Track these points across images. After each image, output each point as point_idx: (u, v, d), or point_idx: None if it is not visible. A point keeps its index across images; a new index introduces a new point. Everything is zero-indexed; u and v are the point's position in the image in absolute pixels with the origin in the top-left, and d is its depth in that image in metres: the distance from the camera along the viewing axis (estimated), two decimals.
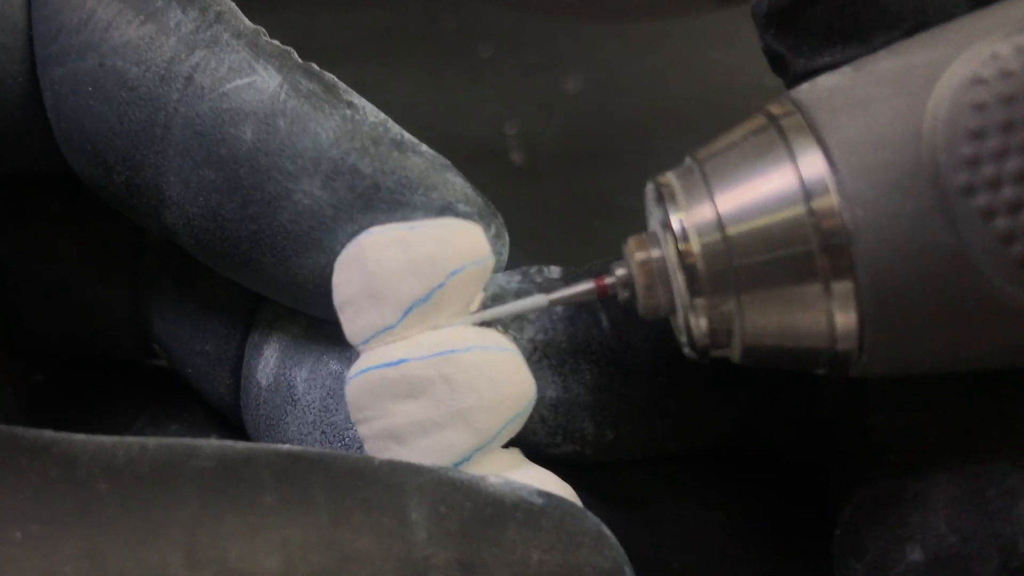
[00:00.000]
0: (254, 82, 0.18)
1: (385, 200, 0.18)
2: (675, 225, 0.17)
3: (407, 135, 0.19)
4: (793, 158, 0.16)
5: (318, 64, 0.19)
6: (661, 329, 0.19)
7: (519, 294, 0.20)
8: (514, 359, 0.18)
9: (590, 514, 0.15)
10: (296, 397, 0.20)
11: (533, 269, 0.20)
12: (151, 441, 0.14)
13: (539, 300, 0.18)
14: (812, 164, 0.16)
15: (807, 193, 0.15)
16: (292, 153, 0.18)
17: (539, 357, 0.19)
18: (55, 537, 0.13)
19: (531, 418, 0.19)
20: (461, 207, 0.18)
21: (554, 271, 0.20)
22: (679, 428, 0.20)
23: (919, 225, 0.15)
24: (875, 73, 0.16)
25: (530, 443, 0.20)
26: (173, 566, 0.13)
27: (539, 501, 0.15)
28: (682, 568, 0.21)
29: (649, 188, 0.17)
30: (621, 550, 0.15)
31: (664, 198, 0.17)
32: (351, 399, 0.18)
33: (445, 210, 0.18)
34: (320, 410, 0.19)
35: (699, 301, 0.17)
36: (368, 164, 0.18)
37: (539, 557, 0.14)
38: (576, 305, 0.20)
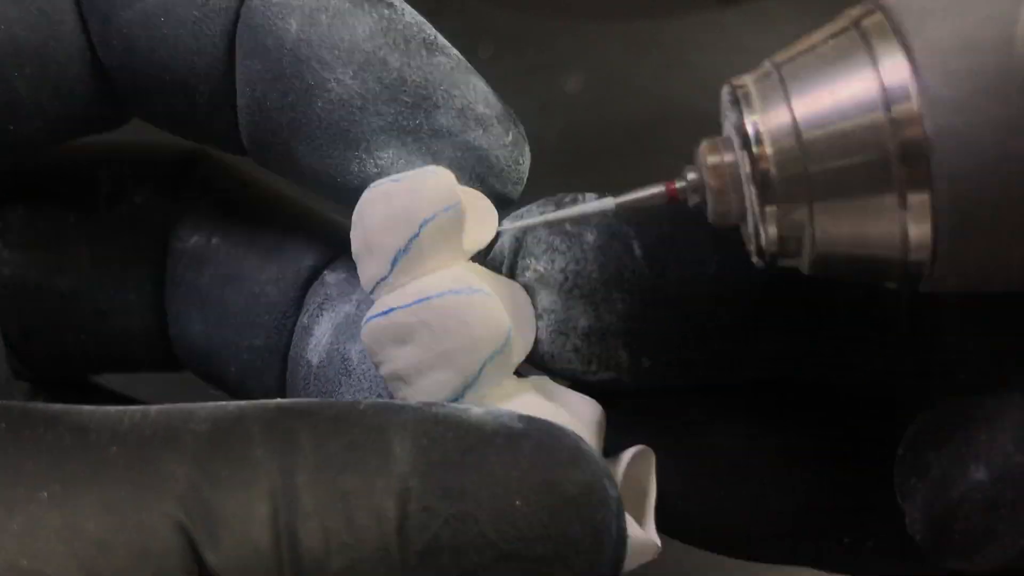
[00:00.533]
0: None
1: (409, 94, 0.19)
2: (749, 129, 0.16)
3: (441, 38, 0.20)
4: (875, 62, 0.15)
5: None
6: (697, 257, 0.19)
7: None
8: (484, 300, 0.18)
9: (570, 432, 0.16)
10: (351, 368, 0.21)
11: (568, 197, 0.20)
12: (152, 408, 0.15)
13: (606, 203, 0.18)
14: (894, 68, 0.15)
15: (887, 99, 0.15)
16: (331, 44, 0.19)
17: (570, 287, 0.19)
18: (75, 496, 0.14)
19: (565, 347, 0.19)
20: (480, 108, 0.20)
21: (590, 198, 0.20)
22: (718, 356, 0.20)
23: (1006, 133, 0.14)
24: None
25: (567, 371, 0.20)
26: (178, 516, 0.14)
27: (519, 426, 0.15)
28: (728, 495, 0.21)
29: (725, 91, 0.17)
30: (601, 465, 0.15)
31: (739, 101, 0.16)
32: (366, 345, 0.19)
33: (465, 110, 0.19)
34: (375, 377, 0.20)
35: (770, 208, 0.16)
36: (397, 58, 0.19)
37: (519, 476, 0.14)
38: (610, 233, 0.19)
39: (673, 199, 0.17)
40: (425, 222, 0.18)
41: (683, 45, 0.48)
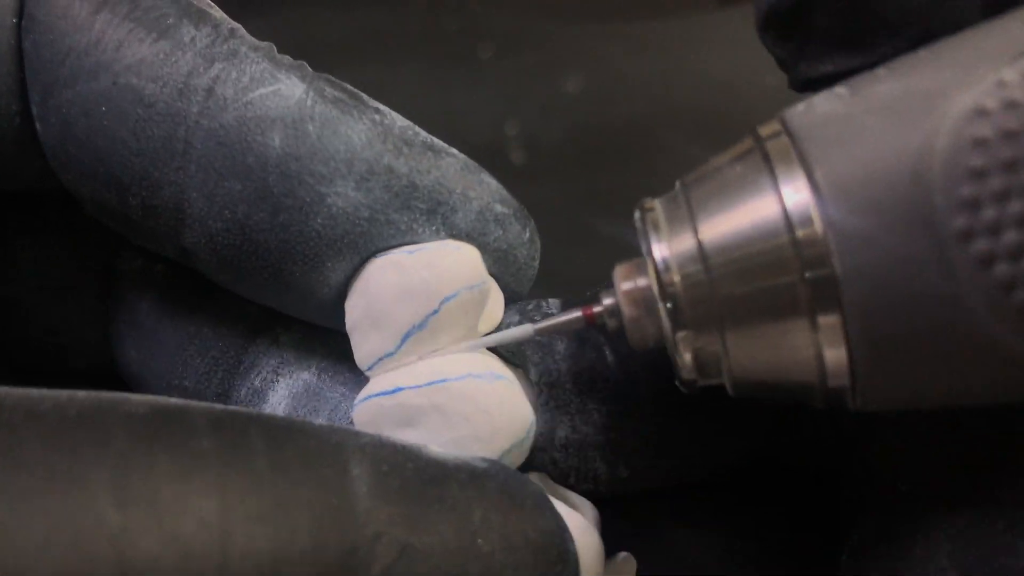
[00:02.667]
0: (279, 90, 0.18)
1: (423, 199, 0.18)
2: (656, 255, 0.16)
3: (436, 140, 0.19)
4: (777, 188, 0.15)
5: (318, 65, 0.19)
6: (667, 361, 0.19)
7: None
8: (509, 387, 0.17)
9: (532, 480, 0.15)
10: None
11: (531, 305, 0.20)
12: (80, 392, 0.14)
13: (525, 329, 0.18)
14: (797, 195, 0.15)
15: (790, 224, 0.15)
16: (324, 156, 0.17)
17: (545, 399, 0.19)
18: None
19: (543, 460, 0.19)
20: (499, 208, 0.19)
21: (553, 305, 0.20)
22: (692, 460, 0.20)
23: (911, 270, 0.14)
24: (872, 99, 0.15)
25: None
26: (101, 504, 0.12)
27: (482, 465, 0.15)
28: None
29: (636, 215, 0.17)
30: (561, 517, 0.15)
31: (647, 226, 0.16)
32: (359, 423, 0.18)
33: (484, 211, 0.18)
34: None
35: (682, 334, 0.16)
36: (403, 164, 0.18)
37: (482, 515, 0.14)
38: (580, 341, 0.19)
39: (592, 323, 0.17)
40: (447, 299, 0.17)
41: (683, 45, 0.47)
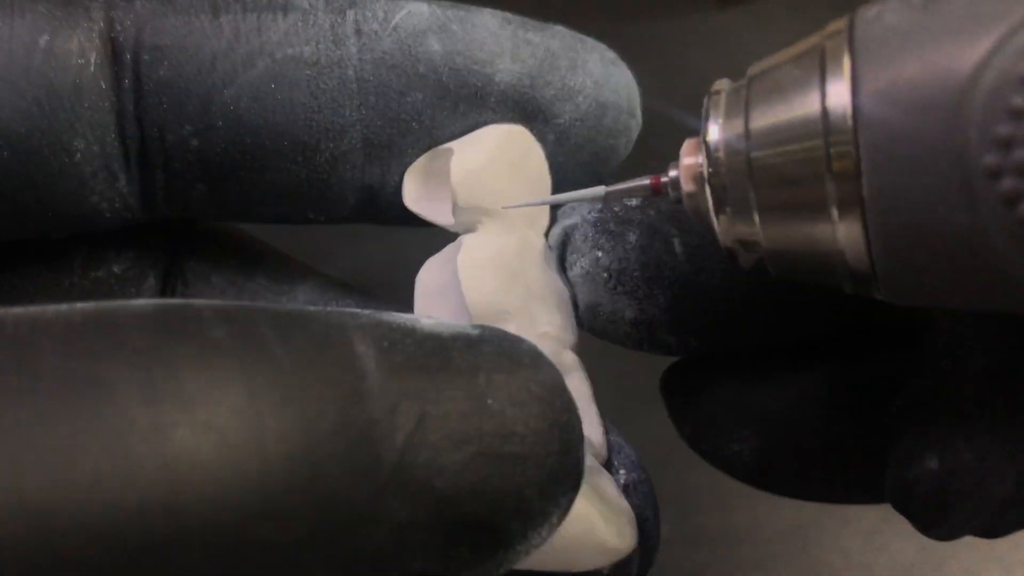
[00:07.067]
0: (410, 11, 0.20)
1: (563, 58, 0.21)
2: (710, 136, 0.17)
3: None
4: (823, 87, 0.15)
5: None
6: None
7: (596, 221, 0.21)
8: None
9: (526, 340, 0.16)
10: None
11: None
12: (79, 303, 0.13)
13: (597, 191, 0.19)
14: (837, 97, 0.15)
15: (827, 122, 0.15)
16: (479, 44, 0.20)
17: (614, 284, 0.20)
18: None
19: (616, 332, 0.21)
20: (607, 53, 0.21)
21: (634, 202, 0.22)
22: (760, 332, 0.21)
23: (934, 197, 0.14)
24: (938, 17, 0.15)
25: (623, 346, 0.21)
26: (130, 404, 0.12)
27: (475, 332, 0.15)
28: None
29: (708, 94, 0.18)
30: (558, 371, 0.15)
31: (710, 107, 0.17)
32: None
33: (602, 56, 0.21)
34: None
35: (723, 213, 0.17)
36: (534, 35, 0.20)
37: (486, 377, 0.14)
38: (651, 233, 0.20)
39: (656, 192, 0.18)
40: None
41: (683, 45, 0.47)
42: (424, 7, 0.20)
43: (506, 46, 0.20)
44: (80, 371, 0.12)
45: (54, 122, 0.19)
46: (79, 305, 0.13)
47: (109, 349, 0.12)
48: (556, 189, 0.21)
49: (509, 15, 0.21)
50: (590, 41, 0.21)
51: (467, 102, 0.20)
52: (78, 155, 0.19)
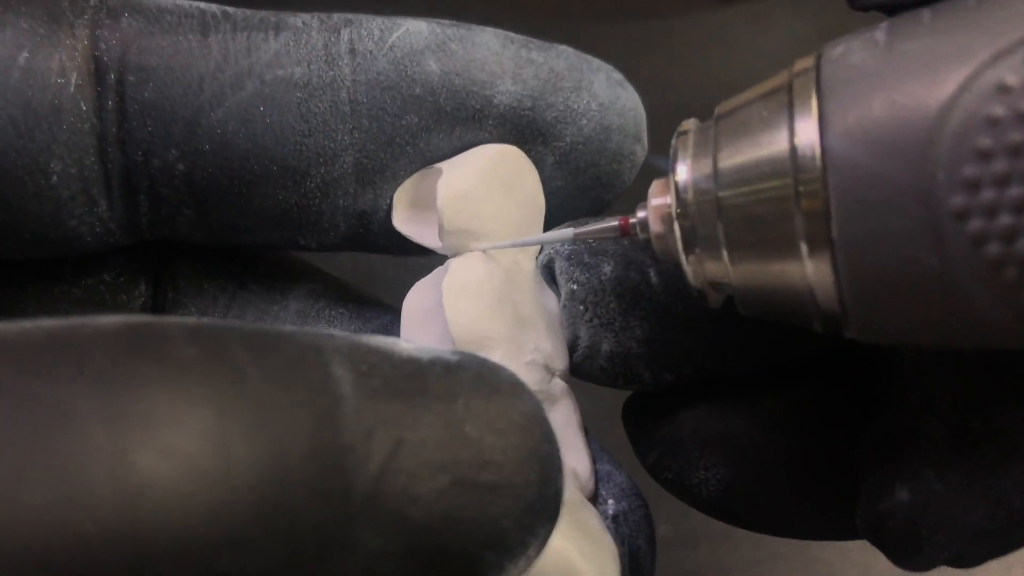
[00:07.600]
0: (407, 29, 0.19)
1: (567, 79, 0.20)
2: (678, 176, 0.17)
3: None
4: (792, 125, 0.15)
5: None
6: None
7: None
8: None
9: (506, 368, 0.15)
10: None
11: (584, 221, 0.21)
12: (43, 319, 0.13)
13: (565, 233, 0.19)
14: (806, 136, 0.15)
15: (796, 161, 0.15)
16: (478, 64, 0.19)
17: (590, 316, 0.20)
18: None
19: (591, 367, 0.20)
20: (613, 74, 0.21)
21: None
22: (737, 361, 0.21)
23: (902, 239, 0.14)
24: (903, 57, 0.15)
25: (597, 383, 0.21)
26: (89, 427, 0.11)
27: (454, 358, 0.15)
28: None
29: (675, 136, 0.18)
30: (538, 400, 0.15)
31: (678, 147, 0.17)
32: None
33: (608, 76, 0.21)
34: None
35: (692, 256, 0.17)
36: (537, 54, 0.20)
37: (464, 403, 0.14)
38: (626, 264, 0.20)
39: (625, 233, 0.18)
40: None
41: (683, 45, 0.48)
42: (423, 25, 0.19)
43: (508, 66, 0.19)
44: (39, 393, 0.11)
45: (29, 142, 0.18)
46: (44, 322, 0.12)
47: (70, 370, 0.12)
48: (556, 214, 0.21)
49: (512, 34, 0.20)
50: (596, 61, 0.21)
51: (464, 124, 0.19)
52: (54, 177, 0.18)
